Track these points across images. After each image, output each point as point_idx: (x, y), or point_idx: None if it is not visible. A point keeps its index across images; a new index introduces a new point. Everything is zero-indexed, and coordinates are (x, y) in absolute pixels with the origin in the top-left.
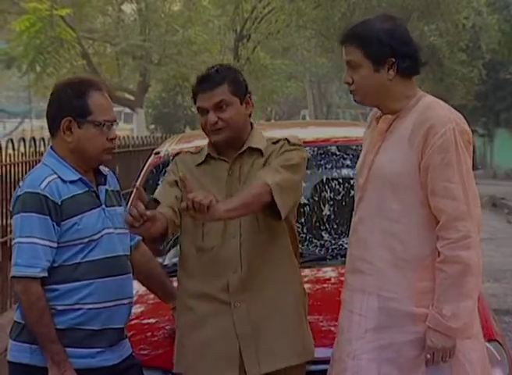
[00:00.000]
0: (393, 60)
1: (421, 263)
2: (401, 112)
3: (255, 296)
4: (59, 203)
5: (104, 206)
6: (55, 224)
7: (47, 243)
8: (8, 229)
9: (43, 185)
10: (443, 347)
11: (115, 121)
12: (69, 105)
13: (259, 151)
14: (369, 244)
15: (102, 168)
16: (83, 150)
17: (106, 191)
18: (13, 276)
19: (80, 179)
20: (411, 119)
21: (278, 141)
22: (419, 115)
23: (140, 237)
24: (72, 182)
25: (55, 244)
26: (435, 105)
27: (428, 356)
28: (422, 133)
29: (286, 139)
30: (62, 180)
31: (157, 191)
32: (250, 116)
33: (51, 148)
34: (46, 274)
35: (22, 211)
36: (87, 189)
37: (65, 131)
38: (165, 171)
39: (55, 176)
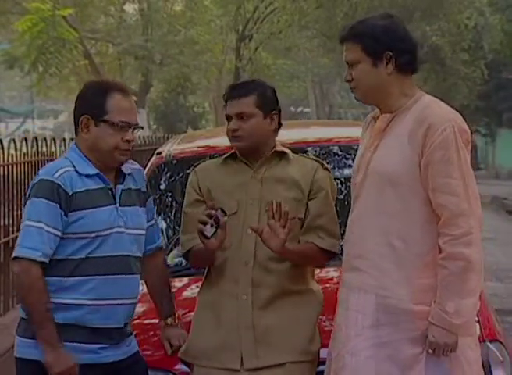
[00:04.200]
0: (391, 54)
1: (422, 260)
2: (399, 110)
3: (262, 291)
4: (70, 194)
5: (117, 205)
6: (62, 213)
7: (52, 230)
8: (11, 229)
9: (57, 174)
10: (446, 343)
11: (136, 124)
12: (88, 104)
13: (285, 154)
14: (367, 241)
15: (125, 167)
16: (97, 148)
17: (122, 190)
18: (15, 257)
19: (97, 174)
20: (411, 118)
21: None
22: (419, 114)
23: (160, 244)
24: (88, 176)
25: (60, 234)
26: (434, 104)
27: (430, 351)
28: (422, 132)
29: (319, 162)
30: (78, 173)
31: (187, 219)
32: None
33: (75, 143)
34: (47, 260)
35: (33, 196)
36: (103, 185)
37: (82, 128)
38: (168, 172)
39: (72, 168)
